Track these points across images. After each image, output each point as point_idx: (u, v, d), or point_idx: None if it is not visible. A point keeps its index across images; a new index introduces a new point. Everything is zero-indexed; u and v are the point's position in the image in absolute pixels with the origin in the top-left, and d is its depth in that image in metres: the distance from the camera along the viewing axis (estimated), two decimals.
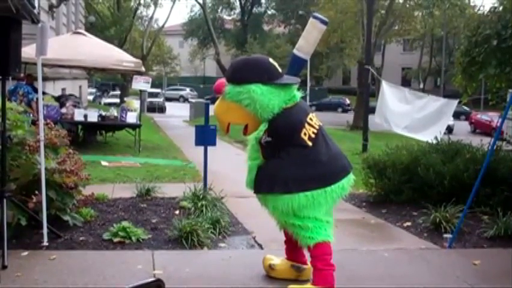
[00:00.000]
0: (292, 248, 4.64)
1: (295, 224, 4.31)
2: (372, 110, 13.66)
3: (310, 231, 4.29)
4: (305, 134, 4.27)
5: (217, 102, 4.47)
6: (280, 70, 4.38)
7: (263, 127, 4.30)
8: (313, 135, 4.30)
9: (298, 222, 4.29)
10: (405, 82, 50.75)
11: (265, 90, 4.22)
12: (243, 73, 4.30)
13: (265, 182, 4.36)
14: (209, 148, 7.43)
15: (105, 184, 8.65)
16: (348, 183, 4.44)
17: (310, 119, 4.35)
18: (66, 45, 13.05)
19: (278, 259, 4.78)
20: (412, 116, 11.49)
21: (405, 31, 36.27)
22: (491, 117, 28.07)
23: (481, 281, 4.89)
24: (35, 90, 13.26)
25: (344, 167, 4.45)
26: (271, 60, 4.44)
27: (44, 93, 13.56)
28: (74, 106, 14.14)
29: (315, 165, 4.28)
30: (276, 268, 4.69)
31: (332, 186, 4.31)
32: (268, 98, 4.21)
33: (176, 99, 54.17)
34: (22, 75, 11.94)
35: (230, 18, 62.39)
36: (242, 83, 4.23)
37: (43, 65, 6.86)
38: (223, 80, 4.42)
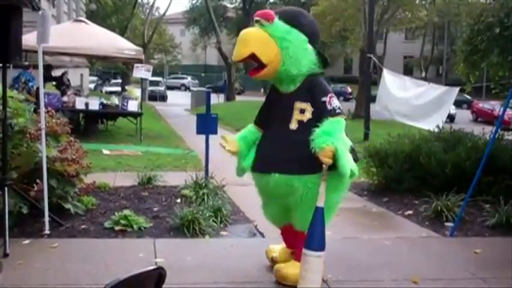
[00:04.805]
0: (292, 235, 4.58)
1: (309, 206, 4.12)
2: (374, 99, 13.64)
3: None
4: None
5: (252, 28, 4.31)
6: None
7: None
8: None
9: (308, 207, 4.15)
10: (407, 71, 50.51)
11: (307, 47, 4.20)
12: (300, 19, 4.27)
13: (295, 163, 4.11)
14: (210, 136, 7.42)
15: (106, 172, 8.65)
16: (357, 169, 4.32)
17: None
18: (67, 33, 13.01)
19: (278, 249, 4.73)
20: (411, 104, 11.45)
21: (407, 19, 36.07)
22: (493, 106, 27.96)
23: (482, 270, 4.88)
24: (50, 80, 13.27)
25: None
26: None
27: (51, 78, 13.57)
28: (76, 94, 14.15)
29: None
30: (279, 260, 4.60)
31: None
32: (304, 55, 4.19)
33: (178, 88, 54.05)
34: (27, 63, 11.97)
35: (232, 6, 62.13)
36: (295, 26, 4.18)
37: (44, 53, 6.84)
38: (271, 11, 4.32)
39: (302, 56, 4.19)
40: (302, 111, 4.20)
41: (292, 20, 4.20)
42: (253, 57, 4.20)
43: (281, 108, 4.34)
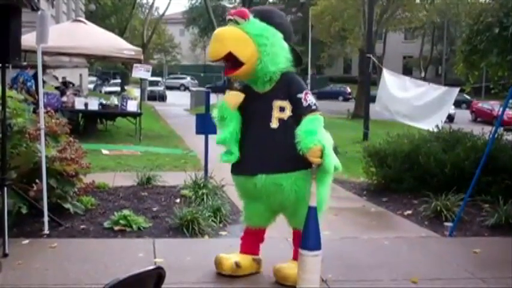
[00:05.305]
0: (256, 241, 4.56)
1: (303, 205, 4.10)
2: (373, 99, 13.66)
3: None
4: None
5: (227, 27, 4.23)
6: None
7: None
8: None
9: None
10: (407, 71, 50.54)
11: (283, 44, 4.19)
12: (274, 17, 4.26)
13: (280, 161, 4.12)
14: (210, 136, 7.41)
15: (106, 172, 8.65)
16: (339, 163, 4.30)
17: None
18: (66, 33, 13.02)
19: (236, 256, 4.51)
20: (412, 104, 11.47)
21: (406, 19, 36.10)
22: (493, 106, 28.02)
23: (481, 270, 4.88)
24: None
25: None
26: None
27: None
28: (75, 94, 14.16)
29: None
30: (242, 266, 4.44)
31: None
32: (280, 52, 4.17)
33: (177, 88, 54.02)
34: (26, 63, 11.97)
35: (231, 6, 62.14)
36: (270, 23, 4.16)
37: (43, 53, 6.84)
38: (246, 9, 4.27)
39: (279, 53, 4.17)
40: (282, 109, 4.17)
41: (266, 18, 4.19)
42: (230, 56, 4.13)
43: (259, 109, 4.27)
